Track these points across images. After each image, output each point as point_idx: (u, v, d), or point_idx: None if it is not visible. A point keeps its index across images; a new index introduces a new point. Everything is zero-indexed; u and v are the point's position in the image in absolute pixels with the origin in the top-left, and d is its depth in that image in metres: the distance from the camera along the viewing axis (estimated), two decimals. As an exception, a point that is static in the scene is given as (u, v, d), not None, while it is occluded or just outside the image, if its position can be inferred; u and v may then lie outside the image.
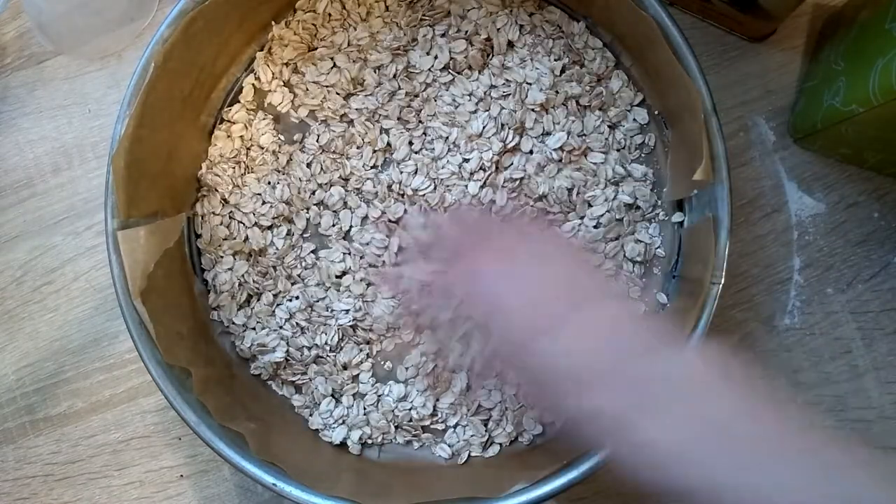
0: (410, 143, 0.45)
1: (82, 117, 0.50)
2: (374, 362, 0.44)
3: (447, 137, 0.44)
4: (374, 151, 0.45)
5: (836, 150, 0.44)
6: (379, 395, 0.44)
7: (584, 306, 0.32)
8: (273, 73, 0.46)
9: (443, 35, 0.45)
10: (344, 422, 0.44)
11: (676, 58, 0.38)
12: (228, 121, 0.46)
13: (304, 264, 0.45)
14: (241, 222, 0.45)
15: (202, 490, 0.47)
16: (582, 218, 0.43)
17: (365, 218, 0.45)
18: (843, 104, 0.39)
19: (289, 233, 0.45)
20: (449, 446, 0.43)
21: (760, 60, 0.46)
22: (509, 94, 0.44)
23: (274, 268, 0.44)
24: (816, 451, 0.27)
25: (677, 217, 0.43)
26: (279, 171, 0.45)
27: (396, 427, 0.44)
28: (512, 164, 0.44)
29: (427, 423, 0.43)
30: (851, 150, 0.43)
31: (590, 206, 0.44)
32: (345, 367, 0.44)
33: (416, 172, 0.44)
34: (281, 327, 0.44)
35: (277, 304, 0.44)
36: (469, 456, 0.43)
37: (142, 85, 0.39)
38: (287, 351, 0.44)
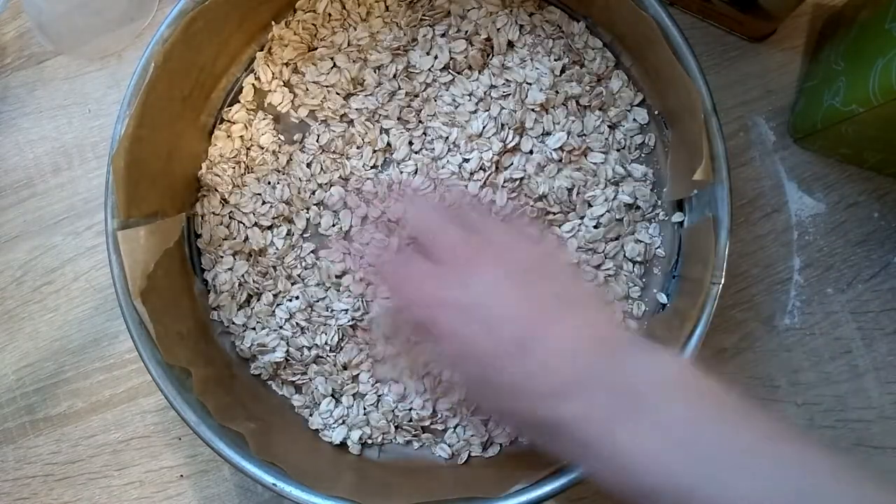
0: (410, 143, 0.45)
1: (82, 117, 0.50)
2: (373, 362, 0.44)
3: (447, 137, 0.44)
4: (374, 151, 0.45)
5: (836, 150, 0.44)
6: (379, 396, 0.44)
7: (564, 318, 0.31)
8: (273, 73, 0.46)
9: (443, 35, 0.45)
10: (344, 422, 0.44)
11: (676, 58, 0.38)
12: (228, 121, 0.46)
13: (304, 264, 0.45)
14: (241, 222, 0.45)
15: (202, 490, 0.47)
16: (582, 218, 0.43)
17: (365, 218, 0.45)
18: (843, 104, 0.39)
19: (289, 233, 0.45)
20: (449, 446, 0.43)
21: (760, 60, 0.46)
22: (509, 94, 0.44)
23: (274, 268, 0.45)
24: (790, 458, 0.27)
25: (677, 217, 0.43)
26: (279, 171, 0.45)
27: (396, 427, 0.44)
28: (512, 164, 0.44)
29: (427, 423, 0.43)
30: (851, 150, 0.43)
31: (590, 206, 0.44)
32: (345, 367, 0.44)
33: (416, 172, 0.44)
34: (281, 327, 0.44)
35: (277, 304, 0.44)
36: (469, 456, 0.43)
37: (142, 85, 0.39)
38: (287, 351, 0.44)
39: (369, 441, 0.44)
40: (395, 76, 0.45)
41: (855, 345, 0.44)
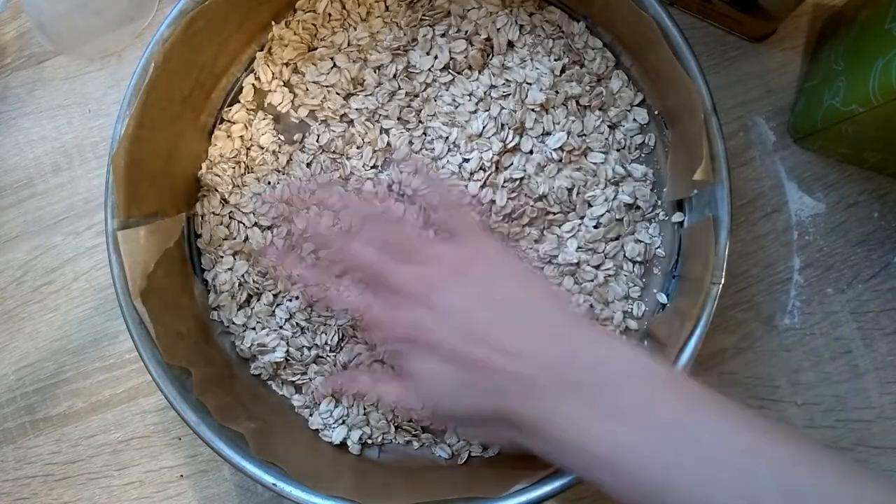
0: (410, 143, 0.45)
1: (82, 117, 0.50)
2: (374, 360, 0.44)
3: (447, 137, 0.44)
4: (374, 151, 0.45)
5: (836, 150, 0.44)
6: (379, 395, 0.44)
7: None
8: (273, 73, 0.46)
9: (443, 35, 0.45)
10: (344, 422, 0.44)
11: (676, 58, 0.38)
12: (228, 121, 0.46)
13: (304, 264, 0.45)
14: (241, 222, 0.45)
15: (202, 490, 0.47)
16: (582, 218, 0.43)
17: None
18: (843, 104, 0.39)
19: (289, 233, 0.45)
20: (449, 446, 0.43)
21: (760, 60, 0.46)
22: (509, 94, 0.44)
23: (274, 268, 0.44)
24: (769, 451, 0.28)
25: (677, 217, 0.43)
26: (279, 171, 0.45)
27: (396, 427, 0.44)
28: (512, 164, 0.44)
29: (427, 423, 0.43)
30: (851, 150, 0.43)
31: (590, 206, 0.44)
32: (345, 367, 0.44)
33: (416, 172, 0.44)
34: (281, 327, 0.44)
35: (277, 304, 0.44)
36: (469, 456, 0.43)
37: (142, 85, 0.39)
38: (287, 351, 0.44)
39: (369, 441, 0.44)
40: (395, 76, 0.45)
41: (855, 345, 0.44)
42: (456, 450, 0.43)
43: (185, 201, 0.45)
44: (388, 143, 0.44)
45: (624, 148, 0.44)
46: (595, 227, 0.43)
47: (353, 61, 0.45)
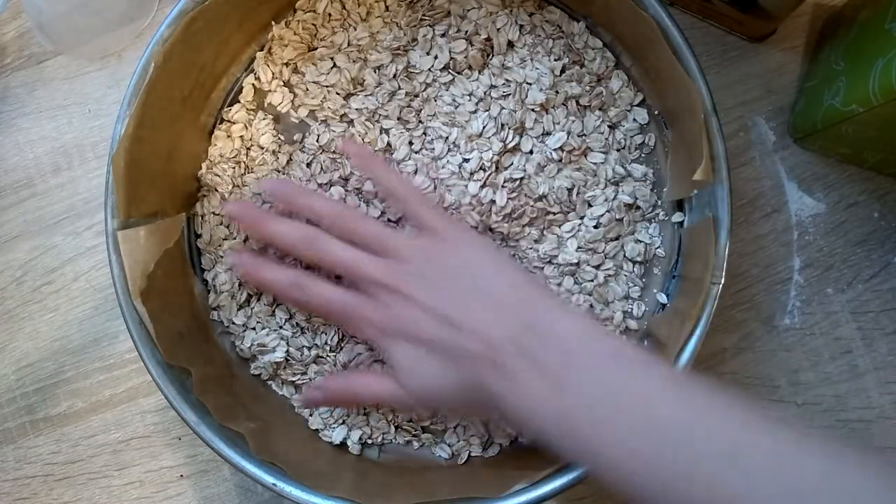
0: (410, 143, 0.45)
1: (82, 117, 0.50)
2: (374, 360, 0.44)
3: (447, 137, 0.44)
4: (374, 151, 0.45)
5: (836, 150, 0.44)
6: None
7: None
8: (273, 73, 0.46)
9: (443, 35, 0.45)
10: (344, 422, 0.44)
11: (676, 58, 0.38)
12: (228, 121, 0.46)
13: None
14: (241, 222, 0.45)
15: (202, 490, 0.47)
16: (582, 218, 0.43)
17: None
18: (843, 104, 0.39)
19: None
20: (449, 446, 0.43)
21: (760, 60, 0.46)
22: (509, 94, 0.44)
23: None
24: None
25: (677, 217, 0.43)
26: (279, 171, 0.45)
27: (396, 427, 0.44)
28: (512, 164, 0.44)
29: (427, 423, 0.43)
30: (851, 150, 0.43)
31: (590, 206, 0.44)
32: (345, 367, 0.44)
33: (416, 172, 0.44)
34: (281, 327, 0.44)
35: (277, 304, 0.44)
36: (469, 456, 0.43)
37: (142, 85, 0.39)
38: (287, 351, 0.44)
39: (369, 441, 0.44)
40: (395, 76, 0.45)
41: (855, 345, 0.44)
42: (456, 450, 0.43)
43: (185, 201, 0.45)
44: (388, 143, 0.44)
45: (624, 148, 0.44)
46: (595, 227, 0.43)
47: (353, 61, 0.45)
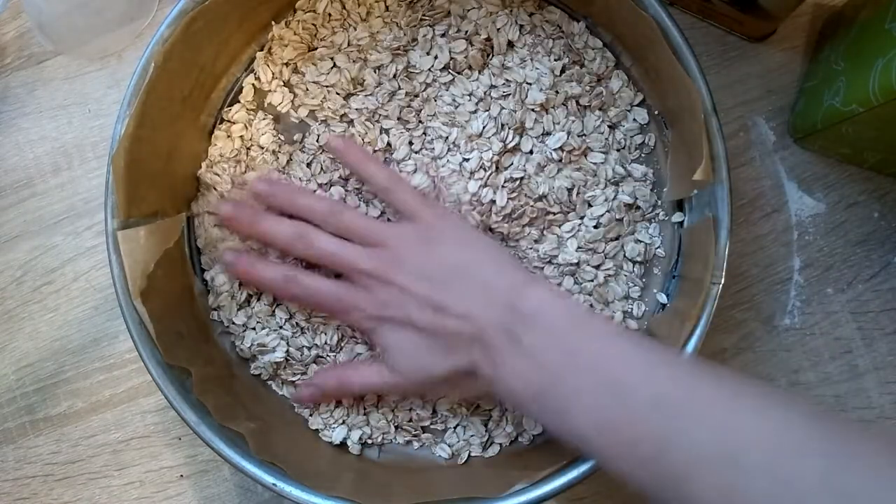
0: (410, 143, 0.45)
1: (82, 117, 0.50)
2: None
3: (447, 137, 0.44)
4: (374, 151, 0.45)
5: (836, 150, 0.44)
6: (379, 395, 0.44)
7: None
8: (273, 73, 0.46)
9: (443, 35, 0.45)
10: (344, 422, 0.44)
11: (676, 58, 0.38)
12: (228, 121, 0.46)
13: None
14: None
15: (202, 490, 0.47)
16: (582, 218, 0.43)
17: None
18: (843, 104, 0.39)
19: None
20: (449, 446, 0.43)
21: (760, 60, 0.46)
22: (509, 94, 0.44)
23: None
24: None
25: (677, 217, 0.43)
26: (279, 171, 0.45)
27: (396, 427, 0.44)
28: (512, 164, 0.44)
29: (427, 423, 0.43)
30: (851, 150, 0.43)
31: (590, 206, 0.44)
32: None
33: (415, 172, 0.44)
34: (281, 327, 0.44)
35: (277, 304, 0.44)
36: (469, 456, 0.43)
37: (142, 85, 0.39)
38: (287, 351, 0.44)
39: (369, 441, 0.44)
40: (395, 76, 0.45)
41: (855, 345, 0.44)
42: (456, 450, 0.43)
43: (185, 201, 0.45)
44: (388, 143, 0.44)
45: (624, 148, 0.44)
46: (595, 227, 0.43)
47: (353, 61, 0.45)
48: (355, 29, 0.46)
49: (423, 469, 0.43)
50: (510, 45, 0.45)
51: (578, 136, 0.44)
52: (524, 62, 0.44)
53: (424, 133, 0.45)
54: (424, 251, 0.38)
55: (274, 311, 0.44)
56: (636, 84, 0.44)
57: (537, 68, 0.44)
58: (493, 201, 0.43)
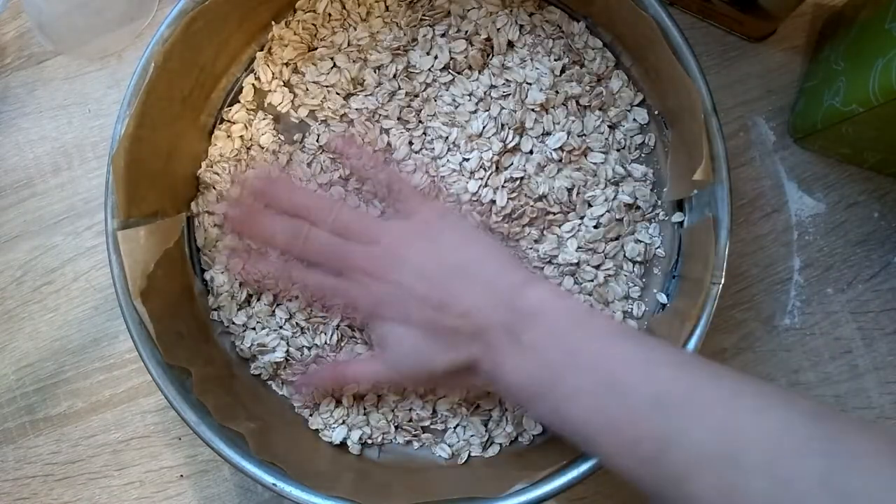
0: (410, 143, 0.45)
1: (82, 117, 0.50)
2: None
3: (447, 137, 0.44)
4: (374, 151, 0.45)
5: (836, 150, 0.44)
6: (379, 395, 0.44)
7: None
8: (273, 73, 0.46)
9: (443, 35, 0.45)
10: (344, 422, 0.44)
11: (676, 58, 0.38)
12: (228, 121, 0.46)
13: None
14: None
15: (202, 490, 0.47)
16: (582, 218, 0.43)
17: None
18: (843, 104, 0.39)
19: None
20: (449, 446, 0.43)
21: (760, 60, 0.46)
22: (509, 94, 0.44)
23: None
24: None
25: (677, 217, 0.43)
26: (280, 171, 0.45)
27: (396, 427, 0.44)
28: (512, 164, 0.44)
29: (427, 423, 0.43)
30: (851, 150, 0.43)
31: (590, 206, 0.44)
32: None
33: (415, 171, 0.44)
34: (281, 327, 0.44)
35: (277, 304, 0.44)
36: (469, 456, 0.43)
37: (142, 85, 0.39)
38: (287, 351, 0.44)
39: (369, 441, 0.44)
40: (395, 76, 0.45)
41: (855, 345, 0.44)
42: (456, 450, 0.43)
43: (185, 201, 0.45)
44: (389, 143, 0.44)
45: (624, 148, 0.44)
46: (595, 227, 0.43)
47: (353, 61, 0.45)
48: (355, 29, 0.46)
49: (423, 469, 0.43)
50: (510, 45, 0.45)
51: (578, 136, 0.44)
52: (524, 62, 0.44)
53: (424, 133, 0.45)
54: (424, 248, 0.38)
55: (274, 311, 0.44)
56: (636, 84, 0.44)
57: (537, 68, 0.44)
58: (493, 201, 0.43)
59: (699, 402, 0.29)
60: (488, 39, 0.44)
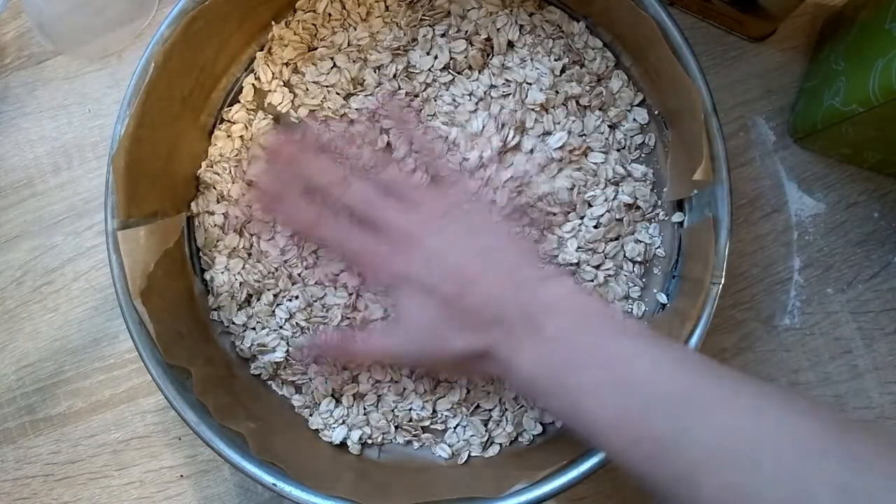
0: (410, 143, 0.45)
1: (82, 117, 0.50)
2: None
3: (447, 137, 0.44)
4: (374, 151, 0.45)
5: (836, 150, 0.44)
6: (379, 395, 0.44)
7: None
8: (273, 73, 0.46)
9: (443, 35, 0.45)
10: (344, 422, 0.44)
11: (676, 58, 0.38)
12: (228, 121, 0.46)
13: (305, 263, 0.45)
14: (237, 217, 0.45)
15: (202, 490, 0.47)
16: (582, 218, 0.43)
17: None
18: (843, 104, 0.39)
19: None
20: (449, 446, 0.43)
21: (760, 60, 0.46)
22: (509, 94, 0.44)
23: (276, 268, 0.44)
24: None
25: (677, 217, 0.43)
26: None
27: (396, 427, 0.44)
28: (512, 163, 0.44)
29: (427, 423, 0.43)
30: (851, 150, 0.43)
31: (590, 205, 0.44)
32: (344, 368, 0.44)
33: (415, 171, 0.44)
34: (281, 327, 0.44)
35: (277, 304, 0.44)
36: (469, 456, 0.43)
37: (142, 85, 0.39)
38: (287, 351, 0.44)
39: (369, 441, 0.44)
40: (395, 76, 0.45)
41: (855, 345, 0.44)
42: (456, 450, 0.43)
43: (185, 201, 0.45)
44: (388, 143, 0.44)
45: (624, 148, 0.44)
46: (595, 227, 0.43)
47: (353, 61, 0.45)
48: (355, 29, 0.46)
49: (423, 469, 0.43)
50: (510, 45, 0.45)
51: (578, 135, 0.44)
52: (524, 62, 0.44)
53: (424, 133, 0.45)
54: (463, 222, 0.38)
55: (274, 311, 0.44)
56: (636, 84, 0.44)
57: (537, 68, 0.44)
58: (494, 201, 0.43)
59: (702, 402, 0.29)
60: (488, 39, 0.44)
